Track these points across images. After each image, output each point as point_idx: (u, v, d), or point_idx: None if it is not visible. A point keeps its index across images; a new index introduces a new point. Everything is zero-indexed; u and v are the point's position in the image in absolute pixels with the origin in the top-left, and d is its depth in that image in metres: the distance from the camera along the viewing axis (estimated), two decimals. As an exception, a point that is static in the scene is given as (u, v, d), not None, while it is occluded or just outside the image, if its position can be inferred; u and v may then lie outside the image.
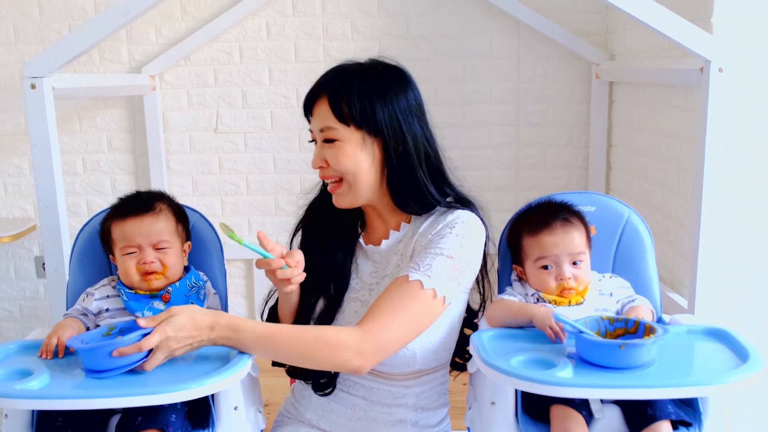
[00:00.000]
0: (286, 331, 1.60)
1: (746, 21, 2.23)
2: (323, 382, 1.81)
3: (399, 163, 1.70)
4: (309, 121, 1.76)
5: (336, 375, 1.80)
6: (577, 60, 3.41)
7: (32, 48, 3.44)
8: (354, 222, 1.86)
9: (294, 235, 1.90)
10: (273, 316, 1.88)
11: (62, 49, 2.12)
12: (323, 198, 1.85)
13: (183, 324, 1.51)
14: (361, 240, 1.84)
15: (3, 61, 3.46)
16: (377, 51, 3.38)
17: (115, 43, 3.45)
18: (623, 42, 3.20)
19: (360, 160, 1.69)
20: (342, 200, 1.75)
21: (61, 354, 1.64)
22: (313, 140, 1.77)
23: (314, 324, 1.77)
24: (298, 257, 1.67)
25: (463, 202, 1.79)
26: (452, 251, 1.65)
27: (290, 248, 1.83)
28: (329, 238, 1.83)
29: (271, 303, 1.92)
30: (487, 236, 1.78)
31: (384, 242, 1.79)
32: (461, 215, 1.72)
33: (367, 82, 1.70)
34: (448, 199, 1.77)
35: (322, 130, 1.70)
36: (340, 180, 1.72)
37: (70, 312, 1.84)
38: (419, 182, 1.71)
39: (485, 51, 3.43)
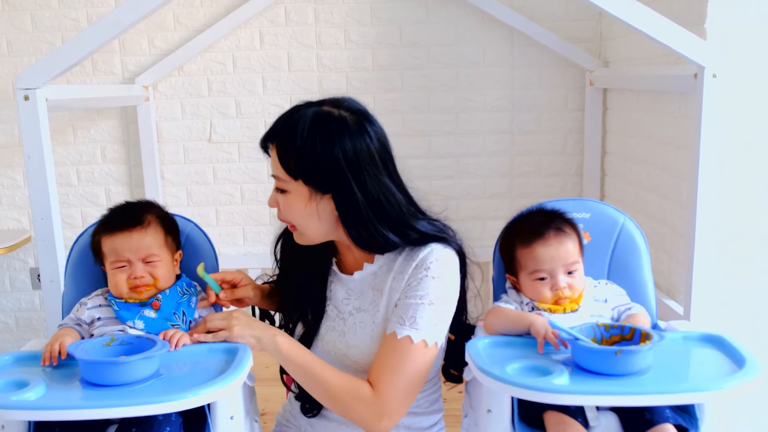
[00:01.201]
0: (319, 368, 1.65)
1: (740, 27, 2.24)
2: (307, 407, 1.83)
3: (351, 216, 1.65)
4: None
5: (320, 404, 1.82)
6: (570, 67, 3.42)
7: (25, 59, 3.45)
8: (327, 248, 1.82)
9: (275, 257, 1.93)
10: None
11: (55, 60, 2.12)
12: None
13: (247, 315, 1.71)
14: (334, 266, 1.83)
15: (-4, 73, 3.46)
16: (370, 59, 3.40)
17: (109, 54, 3.45)
18: (617, 49, 3.21)
19: (308, 213, 1.66)
20: (300, 240, 1.74)
21: (64, 356, 1.64)
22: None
23: None
24: (230, 277, 1.85)
25: (429, 239, 1.71)
26: (432, 296, 1.65)
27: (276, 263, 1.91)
28: (304, 266, 1.83)
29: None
30: (464, 260, 1.78)
31: (357, 273, 1.77)
32: (433, 252, 1.68)
33: (316, 134, 1.60)
34: (414, 237, 1.70)
35: (274, 177, 1.68)
36: (294, 225, 1.72)
37: (65, 322, 1.83)
38: (375, 232, 1.65)
39: (479, 59, 3.44)
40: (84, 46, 2.12)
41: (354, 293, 1.78)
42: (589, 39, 3.41)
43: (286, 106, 3.41)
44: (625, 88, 3.09)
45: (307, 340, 1.80)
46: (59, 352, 1.65)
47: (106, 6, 3.41)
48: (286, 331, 1.84)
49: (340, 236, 1.72)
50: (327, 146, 1.60)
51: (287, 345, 1.66)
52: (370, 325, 1.73)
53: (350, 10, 3.41)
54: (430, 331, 1.63)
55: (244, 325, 1.68)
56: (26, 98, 2.11)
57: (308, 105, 1.69)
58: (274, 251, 1.91)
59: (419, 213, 1.74)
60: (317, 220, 1.67)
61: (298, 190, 1.64)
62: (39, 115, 2.13)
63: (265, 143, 1.69)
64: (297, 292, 1.82)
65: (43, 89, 2.14)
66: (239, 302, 1.89)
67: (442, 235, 1.72)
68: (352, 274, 1.78)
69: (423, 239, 1.70)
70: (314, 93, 3.47)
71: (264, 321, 1.91)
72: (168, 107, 3.51)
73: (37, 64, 2.13)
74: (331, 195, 1.63)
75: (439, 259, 1.68)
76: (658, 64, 2.69)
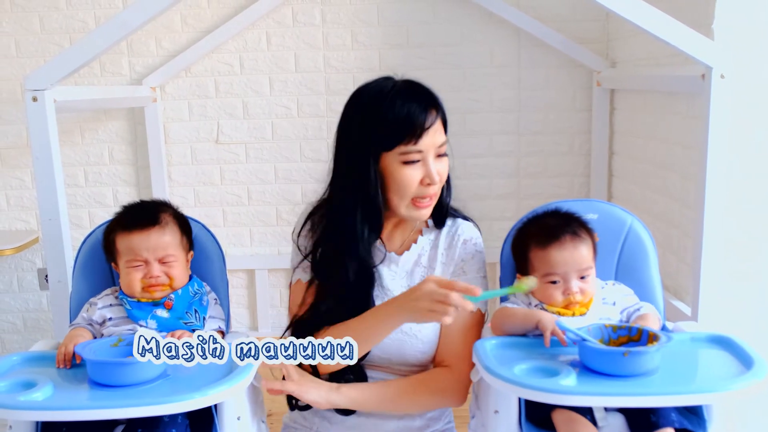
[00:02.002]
0: (393, 390, 1.75)
1: (747, 27, 2.23)
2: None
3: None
4: (414, 139, 1.68)
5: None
6: (577, 68, 3.41)
7: (33, 61, 3.46)
8: (377, 231, 1.81)
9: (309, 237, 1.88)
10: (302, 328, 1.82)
11: (63, 61, 2.13)
12: (339, 205, 1.80)
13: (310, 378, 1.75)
14: (379, 245, 1.84)
15: (4, 74, 3.47)
16: (377, 60, 3.40)
17: (116, 55, 3.46)
18: (624, 49, 3.20)
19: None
20: (430, 212, 1.79)
21: (78, 360, 1.65)
22: (413, 161, 1.70)
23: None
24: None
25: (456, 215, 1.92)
26: (483, 270, 1.86)
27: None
28: (353, 241, 1.78)
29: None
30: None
31: (406, 253, 1.85)
32: (472, 228, 1.89)
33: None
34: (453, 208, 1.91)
35: (440, 146, 1.73)
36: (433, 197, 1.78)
37: (77, 322, 1.84)
38: (450, 191, 1.87)
39: (485, 59, 3.44)
40: (92, 47, 2.13)
41: (400, 273, 1.84)
42: (597, 39, 3.40)
43: (293, 108, 3.46)
44: (632, 88, 3.09)
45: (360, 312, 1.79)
46: (73, 355, 1.66)
47: (114, 8, 3.41)
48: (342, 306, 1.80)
49: None
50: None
51: (356, 392, 1.74)
52: None
53: (357, 11, 3.41)
54: (486, 302, 1.83)
55: (313, 389, 1.72)
56: (34, 99, 2.12)
57: (392, 76, 1.79)
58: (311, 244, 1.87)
59: None
60: None
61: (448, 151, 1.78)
62: (47, 116, 2.13)
63: (432, 120, 1.71)
64: (345, 288, 1.77)
65: (51, 90, 2.14)
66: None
67: (464, 214, 1.94)
68: (400, 254, 1.85)
69: (456, 215, 1.91)
70: (321, 94, 3.48)
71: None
72: (175, 108, 3.52)
73: (46, 65, 2.13)
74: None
75: (478, 235, 1.89)
76: (666, 65, 2.68)
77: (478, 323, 1.82)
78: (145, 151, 3.53)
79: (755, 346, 1.59)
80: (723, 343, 1.66)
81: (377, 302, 1.77)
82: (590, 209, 1.97)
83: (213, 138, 3.55)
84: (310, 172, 3.55)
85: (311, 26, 3.43)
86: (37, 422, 1.62)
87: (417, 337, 1.78)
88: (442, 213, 1.86)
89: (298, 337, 1.68)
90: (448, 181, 1.83)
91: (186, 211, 2.01)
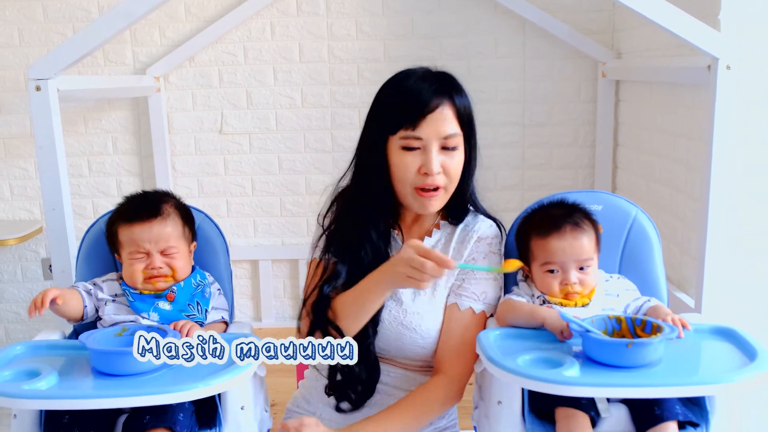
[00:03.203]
0: (396, 417, 1.70)
1: (754, 18, 2.22)
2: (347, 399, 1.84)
3: (468, 171, 1.80)
4: (413, 123, 1.67)
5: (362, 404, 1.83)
6: (583, 59, 3.40)
7: (36, 50, 3.45)
8: (386, 222, 1.82)
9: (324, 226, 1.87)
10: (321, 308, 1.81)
11: (66, 51, 2.12)
12: (360, 191, 1.80)
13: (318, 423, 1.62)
14: (397, 236, 1.84)
15: (8, 64, 3.46)
16: (382, 50, 3.39)
17: (120, 44, 3.45)
18: (630, 40, 3.19)
19: (461, 168, 1.76)
20: (435, 205, 1.76)
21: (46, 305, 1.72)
22: (411, 148, 1.69)
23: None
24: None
25: (480, 214, 1.90)
26: (495, 272, 1.82)
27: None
28: (367, 239, 1.79)
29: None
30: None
31: None
32: (491, 227, 1.87)
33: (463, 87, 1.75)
34: (479, 206, 1.91)
35: (447, 137, 1.69)
36: (438, 188, 1.72)
37: (77, 284, 1.85)
38: (470, 188, 1.84)
39: (490, 50, 3.43)
40: (95, 36, 2.12)
41: None
42: (602, 30, 3.38)
43: (297, 98, 3.46)
44: (637, 79, 3.08)
45: (374, 322, 1.78)
46: (42, 303, 1.71)
47: (118, -3, 3.41)
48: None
49: None
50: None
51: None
52: (429, 292, 1.80)
53: (362, 1, 3.40)
54: (495, 304, 1.81)
55: None
56: (38, 89, 2.12)
57: (429, 68, 1.76)
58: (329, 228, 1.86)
59: None
60: (459, 176, 1.76)
61: (462, 145, 1.74)
62: (50, 106, 2.13)
63: (436, 105, 1.68)
64: (360, 271, 1.76)
65: (54, 80, 2.14)
66: None
67: (489, 213, 1.91)
68: None
69: (479, 213, 1.89)
70: (325, 84, 3.47)
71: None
72: (179, 98, 3.51)
73: (49, 54, 2.13)
74: (469, 145, 1.77)
75: (496, 235, 1.86)
76: (671, 56, 2.67)
77: (478, 325, 1.79)
78: (148, 141, 3.53)
79: (759, 337, 1.59)
80: (726, 334, 1.66)
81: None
82: (595, 200, 1.96)
83: (217, 128, 3.54)
84: (314, 163, 3.54)
85: (315, 16, 3.43)
86: (41, 411, 1.62)
87: (416, 331, 1.78)
88: (460, 208, 1.85)
89: (314, 315, 1.74)
90: (466, 176, 1.79)
91: (189, 202, 2.01)
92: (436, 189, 1.72)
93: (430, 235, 1.84)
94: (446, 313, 1.80)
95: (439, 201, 1.75)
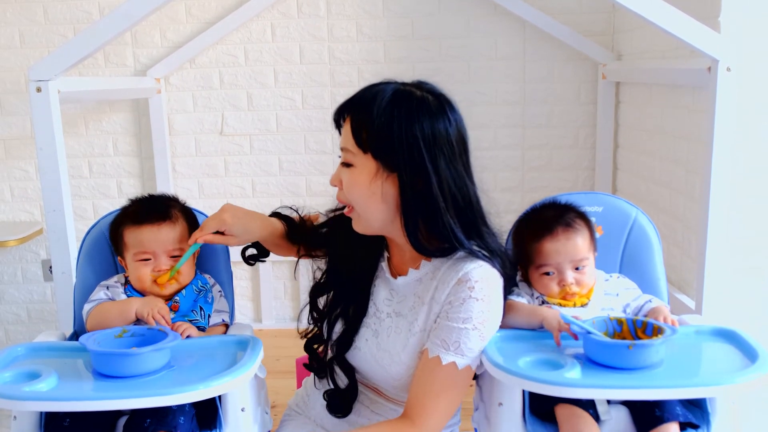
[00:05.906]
0: None
1: (754, 20, 2.22)
2: (336, 405, 1.81)
3: (416, 204, 1.55)
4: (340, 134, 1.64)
5: (350, 405, 1.79)
6: (583, 60, 3.40)
7: (37, 51, 3.46)
8: (378, 246, 1.77)
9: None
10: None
11: (67, 52, 2.12)
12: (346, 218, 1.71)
13: None
14: (383, 266, 1.76)
15: (9, 65, 3.47)
16: (382, 52, 3.39)
17: (120, 46, 3.46)
18: (630, 42, 3.19)
19: (371, 191, 1.56)
20: (356, 225, 1.64)
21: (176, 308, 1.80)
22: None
23: (332, 347, 1.77)
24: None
25: (486, 252, 1.62)
26: (476, 320, 1.57)
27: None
28: (354, 259, 1.75)
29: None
30: (505, 283, 1.66)
31: (401, 278, 1.70)
32: (479, 269, 1.58)
33: (394, 109, 1.53)
34: (473, 246, 1.61)
35: (342, 150, 1.59)
36: (347, 205, 1.64)
37: (99, 297, 1.84)
38: (443, 226, 1.56)
39: (490, 52, 3.43)
40: (96, 38, 2.12)
41: (396, 296, 1.71)
42: (602, 32, 3.39)
43: (298, 99, 3.46)
44: (637, 81, 3.08)
45: (347, 340, 1.74)
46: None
47: (118, -2, 3.42)
48: (327, 328, 1.78)
49: (395, 230, 1.62)
50: (405, 122, 1.52)
51: None
52: (405, 332, 1.65)
53: (362, 3, 3.40)
54: (474, 357, 1.58)
55: None
56: (38, 90, 2.12)
57: (388, 82, 1.61)
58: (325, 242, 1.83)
59: (484, 219, 1.67)
60: (379, 201, 1.56)
61: (366, 164, 1.55)
62: (51, 107, 2.13)
63: (340, 116, 1.63)
64: (342, 288, 1.76)
65: (55, 81, 2.14)
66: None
67: (495, 256, 1.62)
68: (395, 277, 1.72)
69: (476, 253, 1.60)
70: (326, 86, 3.47)
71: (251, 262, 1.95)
72: (180, 100, 3.52)
73: (50, 56, 2.13)
74: (397, 175, 1.54)
75: (483, 278, 1.58)
76: (672, 58, 2.67)
77: (449, 376, 1.57)
78: (149, 143, 3.53)
79: (759, 339, 1.58)
80: (727, 336, 1.66)
81: (370, 311, 1.74)
82: (595, 202, 1.97)
83: (217, 129, 3.55)
84: (315, 164, 3.54)
85: (316, 17, 3.43)
86: (41, 413, 1.62)
87: (386, 370, 1.69)
88: (440, 248, 1.61)
89: (310, 300, 1.80)
90: (412, 209, 1.56)
91: (190, 203, 2.01)
92: (350, 207, 1.63)
93: (417, 268, 1.68)
94: (420, 357, 1.64)
95: (355, 220, 1.64)
